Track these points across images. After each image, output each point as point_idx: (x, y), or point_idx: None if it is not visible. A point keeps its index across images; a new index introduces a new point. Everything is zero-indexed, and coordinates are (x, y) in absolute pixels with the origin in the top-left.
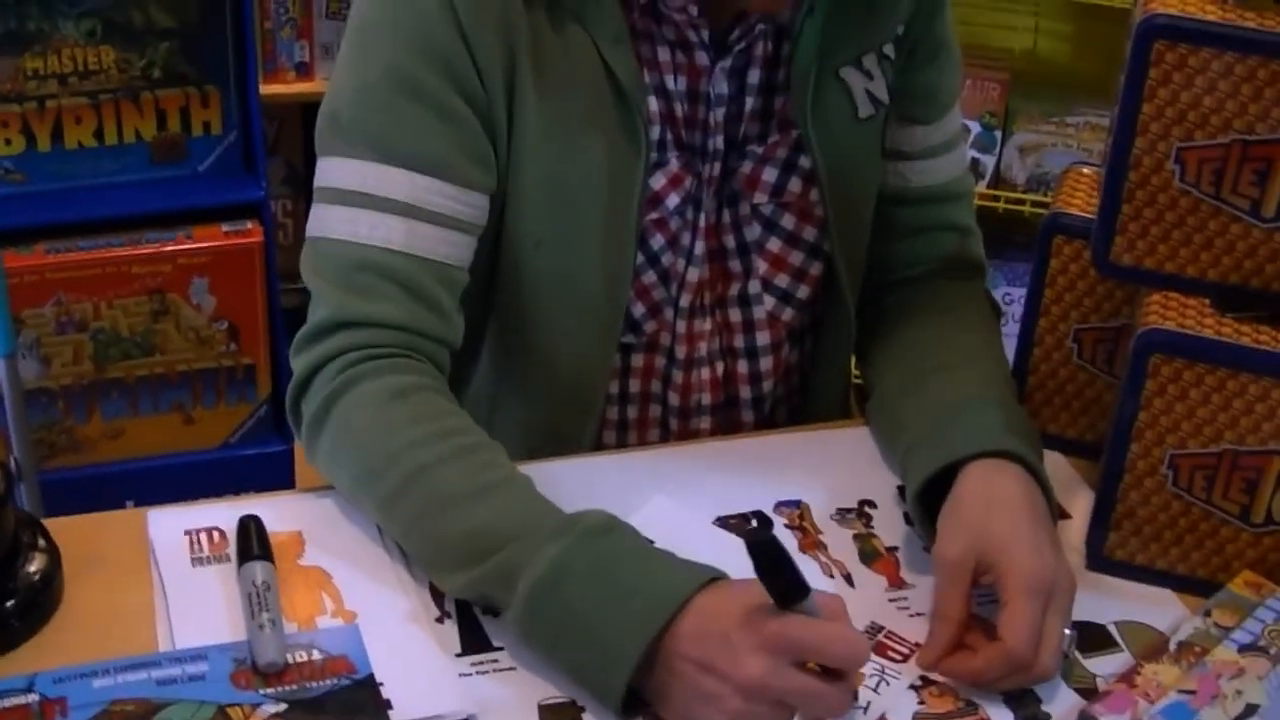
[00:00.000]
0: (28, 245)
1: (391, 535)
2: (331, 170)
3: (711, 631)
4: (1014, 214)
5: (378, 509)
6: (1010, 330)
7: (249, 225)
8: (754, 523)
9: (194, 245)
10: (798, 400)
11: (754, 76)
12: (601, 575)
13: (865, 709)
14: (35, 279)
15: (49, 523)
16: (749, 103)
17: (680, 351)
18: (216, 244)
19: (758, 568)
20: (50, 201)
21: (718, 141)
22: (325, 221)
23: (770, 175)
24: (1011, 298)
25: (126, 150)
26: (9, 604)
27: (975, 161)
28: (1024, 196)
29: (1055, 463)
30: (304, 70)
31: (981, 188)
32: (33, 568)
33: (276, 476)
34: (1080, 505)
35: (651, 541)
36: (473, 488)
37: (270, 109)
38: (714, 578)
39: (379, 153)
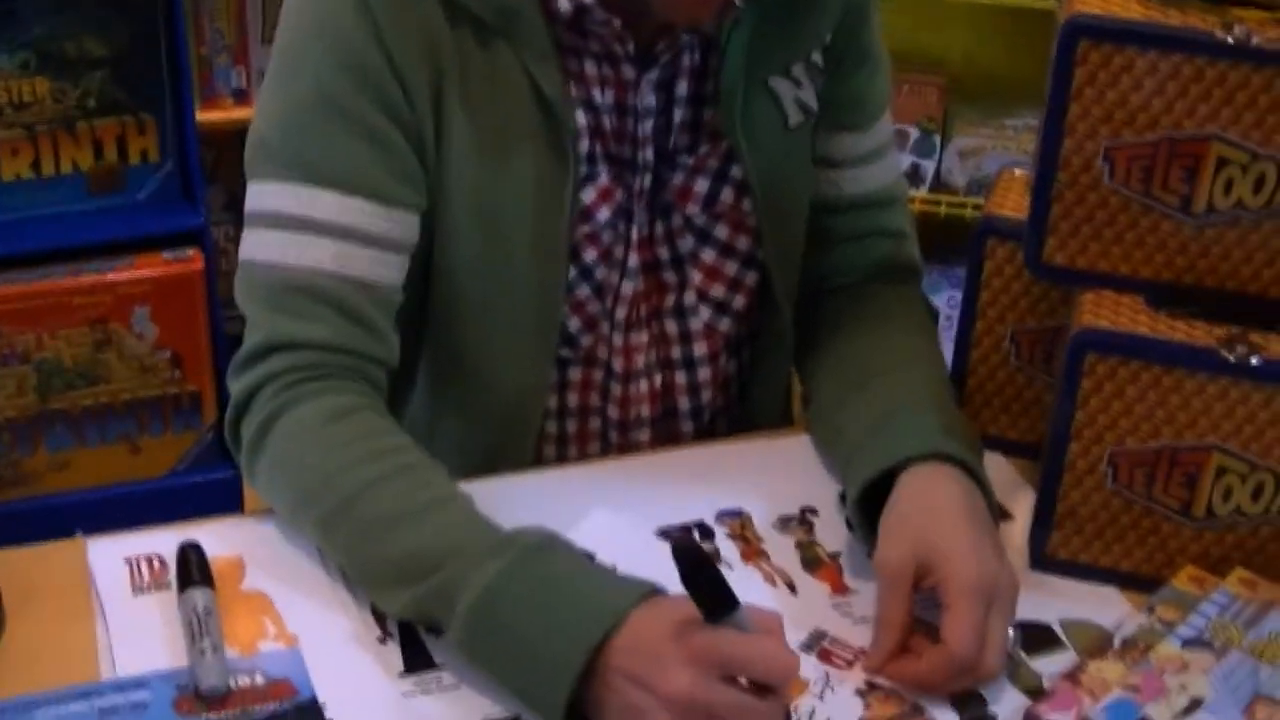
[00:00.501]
0: None
1: (332, 558)
2: (261, 194)
3: (642, 645)
4: (955, 218)
5: (317, 531)
6: (952, 334)
7: (190, 253)
8: (695, 534)
9: (135, 274)
10: (737, 410)
11: (682, 88)
12: (539, 593)
13: (810, 716)
14: None
15: None
16: (678, 114)
17: (618, 365)
18: (158, 273)
19: (683, 577)
20: None
21: (648, 154)
22: (256, 245)
23: (702, 186)
24: (955, 301)
25: (64, 181)
26: None
27: (915, 167)
28: (965, 200)
29: (996, 464)
30: (241, 96)
31: (922, 193)
32: None
33: (225, 503)
34: (1022, 505)
35: (592, 556)
36: (411, 507)
37: (208, 136)
38: (651, 591)
39: (307, 175)
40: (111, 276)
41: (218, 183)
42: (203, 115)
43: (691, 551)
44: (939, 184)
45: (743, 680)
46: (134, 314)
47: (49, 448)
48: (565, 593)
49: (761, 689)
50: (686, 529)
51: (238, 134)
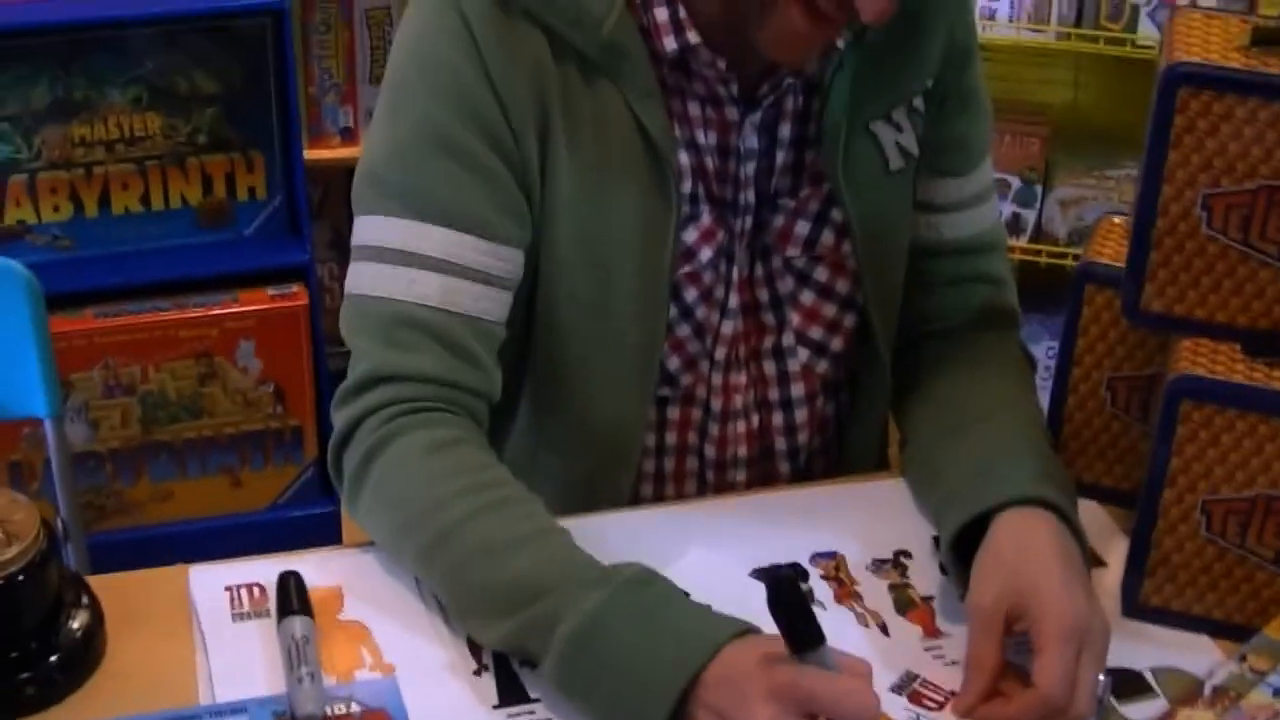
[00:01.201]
0: (76, 310)
1: (430, 587)
2: (368, 228)
3: (730, 678)
4: (1056, 268)
5: (417, 560)
6: (1049, 382)
7: (294, 289)
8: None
9: (240, 309)
10: (834, 453)
11: (785, 131)
12: (637, 626)
13: None
14: (84, 343)
15: (92, 580)
16: (780, 156)
17: (716, 404)
18: (262, 307)
19: (772, 606)
20: (98, 267)
21: (749, 195)
22: (362, 278)
23: (802, 229)
24: (1054, 352)
25: (173, 215)
26: (52, 659)
27: (1016, 216)
28: (1066, 250)
29: (1091, 511)
30: (348, 135)
31: (1023, 242)
32: (75, 624)
33: (325, 537)
34: (1116, 552)
35: (687, 595)
36: (511, 539)
37: (315, 173)
38: (747, 629)
39: (414, 210)
40: (217, 311)
41: (322, 220)
42: (310, 153)
43: (785, 582)
44: (1040, 234)
45: None
46: (239, 348)
47: (152, 478)
48: (663, 626)
49: None
50: (781, 569)
51: (344, 172)
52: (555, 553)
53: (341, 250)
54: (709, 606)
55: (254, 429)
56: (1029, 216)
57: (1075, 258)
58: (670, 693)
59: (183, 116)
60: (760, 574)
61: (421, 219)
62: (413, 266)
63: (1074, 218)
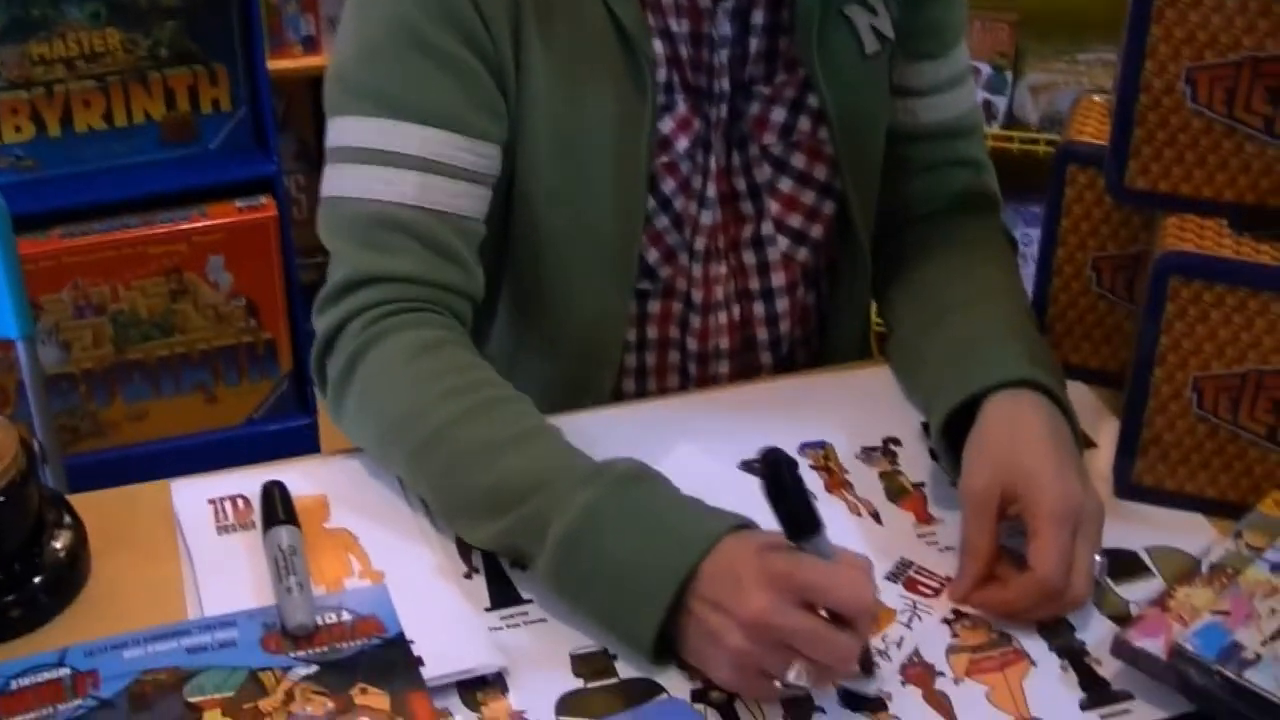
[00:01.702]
0: (42, 231)
1: (418, 490)
2: (342, 129)
3: (726, 570)
4: (1028, 154)
5: (405, 463)
6: (1028, 270)
7: (263, 201)
8: None
9: (209, 223)
10: (816, 343)
11: (758, 17)
12: (632, 522)
13: (899, 643)
14: (52, 264)
15: (73, 499)
16: (754, 43)
17: (696, 296)
18: (231, 220)
19: (768, 491)
20: (63, 186)
21: (724, 83)
22: (339, 180)
23: (779, 115)
24: (1029, 239)
25: (136, 131)
26: (36, 580)
27: (987, 103)
28: (1038, 136)
29: (1078, 393)
30: (311, 44)
31: (995, 129)
32: (59, 544)
33: (302, 450)
34: (1106, 434)
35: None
36: (501, 439)
37: (278, 85)
38: (743, 523)
39: (388, 109)
40: (185, 226)
41: (287, 132)
42: (272, 64)
43: (784, 464)
44: (1011, 120)
45: (822, 612)
46: (208, 263)
47: (126, 399)
48: (658, 522)
49: (839, 620)
50: (777, 451)
51: (307, 82)
52: (545, 451)
53: (307, 161)
54: (701, 501)
55: (227, 344)
56: (1000, 103)
57: (1049, 144)
58: (667, 589)
59: (142, 30)
60: (749, 466)
61: (396, 117)
62: (389, 165)
63: (1045, 103)
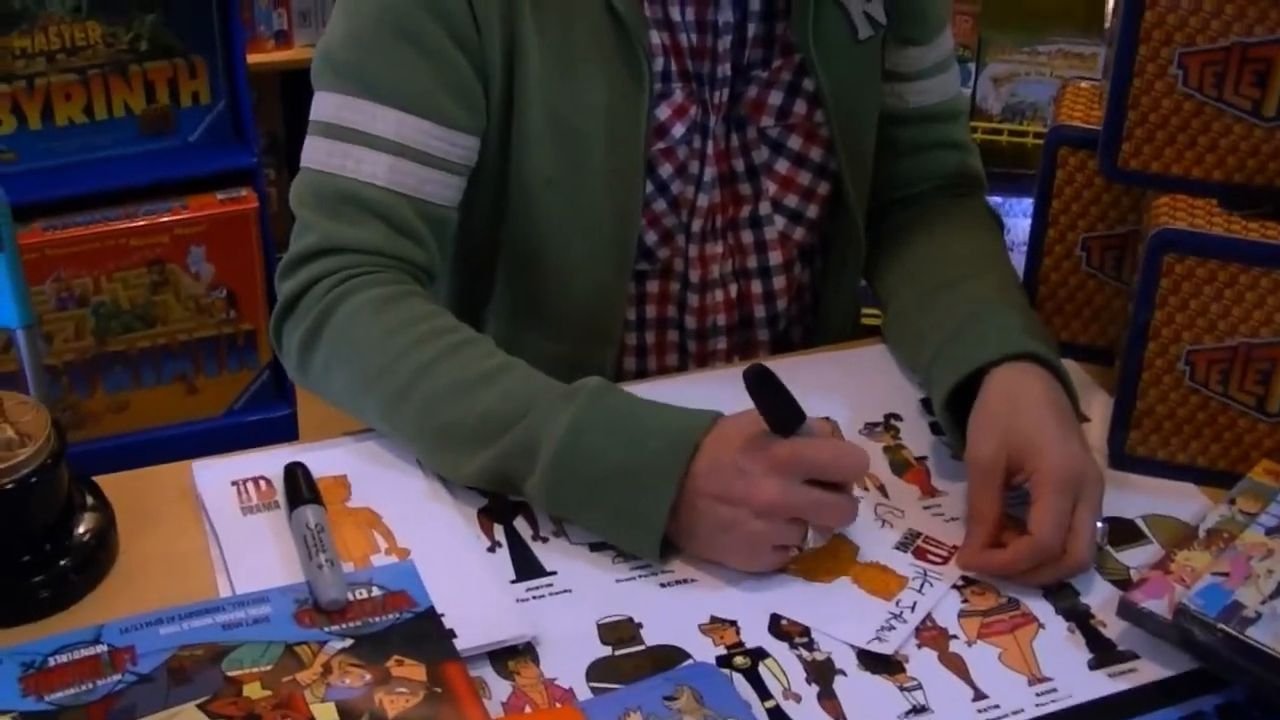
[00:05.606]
0: (24, 224)
1: (397, 436)
2: (323, 103)
3: (723, 464)
4: (991, 144)
5: (382, 412)
6: (1017, 254)
7: (243, 192)
8: None
9: (190, 215)
10: (810, 320)
11: (755, 3)
12: (618, 426)
13: (913, 607)
14: (35, 256)
15: (99, 479)
16: (751, 28)
17: (694, 275)
18: (212, 212)
19: (757, 400)
20: (44, 179)
21: (725, 68)
22: (314, 152)
23: (775, 98)
24: None
25: (116, 124)
26: (64, 561)
27: None
28: (1000, 126)
29: (1069, 369)
30: (282, 38)
31: None
32: (87, 524)
33: (282, 440)
34: (1097, 408)
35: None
36: (476, 375)
37: (250, 78)
38: (717, 415)
39: (368, 90)
40: (167, 218)
41: (258, 125)
42: None
43: (761, 373)
44: (974, 111)
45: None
46: (189, 254)
47: (107, 389)
48: (641, 422)
49: (833, 488)
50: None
51: (278, 76)
52: (522, 380)
53: (278, 155)
54: (671, 405)
55: (207, 335)
56: (963, 94)
57: (1011, 134)
58: (668, 481)
59: (123, 24)
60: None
61: (374, 100)
62: (363, 145)
63: (1007, 94)
